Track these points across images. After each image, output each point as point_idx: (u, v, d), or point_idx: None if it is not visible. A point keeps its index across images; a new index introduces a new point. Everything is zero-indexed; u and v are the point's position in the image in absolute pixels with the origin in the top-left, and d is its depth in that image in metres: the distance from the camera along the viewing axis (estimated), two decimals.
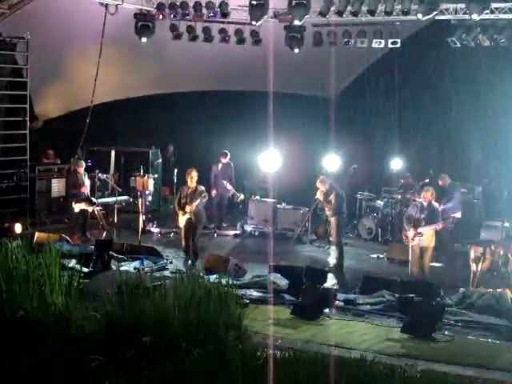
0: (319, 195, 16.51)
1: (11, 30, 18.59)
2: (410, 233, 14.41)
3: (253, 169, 21.56)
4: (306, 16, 16.60)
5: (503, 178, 19.09)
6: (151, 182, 19.65)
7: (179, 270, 14.33)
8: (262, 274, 14.33)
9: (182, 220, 15.52)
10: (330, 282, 14.43)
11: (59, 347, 9.46)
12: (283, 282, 13.71)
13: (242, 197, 19.79)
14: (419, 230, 14.33)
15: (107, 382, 8.52)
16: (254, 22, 17.00)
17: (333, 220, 16.41)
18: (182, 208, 15.43)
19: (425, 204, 14.52)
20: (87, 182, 18.28)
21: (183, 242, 15.66)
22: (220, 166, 20.08)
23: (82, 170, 18.16)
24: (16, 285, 10.83)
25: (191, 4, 17.69)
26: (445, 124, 20.12)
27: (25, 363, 8.88)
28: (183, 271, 13.51)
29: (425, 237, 14.38)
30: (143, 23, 18.10)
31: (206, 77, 22.21)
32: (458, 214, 17.15)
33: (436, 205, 14.82)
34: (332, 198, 16.21)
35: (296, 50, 18.30)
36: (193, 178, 15.54)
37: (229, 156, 20.24)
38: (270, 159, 19.78)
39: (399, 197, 18.46)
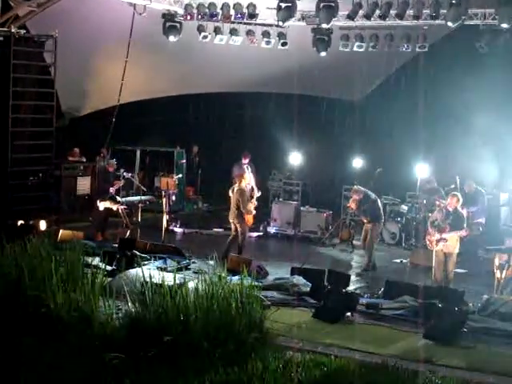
0: (351, 204, 16.60)
1: (40, 28, 18.70)
2: (434, 238, 14.34)
3: (277, 171, 21.57)
4: (334, 19, 16.59)
5: None
6: (175, 182, 19.71)
7: (202, 270, 14.36)
8: (285, 277, 14.32)
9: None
10: (353, 285, 14.39)
11: (81, 344, 9.52)
12: (305, 285, 13.71)
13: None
14: (444, 235, 14.25)
15: (128, 381, 8.56)
16: (280, 23, 17.00)
17: (369, 226, 16.43)
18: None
19: (450, 210, 14.42)
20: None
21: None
22: (241, 166, 20.11)
23: (112, 169, 18.29)
24: (40, 281, 10.90)
25: (219, 5, 17.71)
26: (472, 129, 19.98)
27: (48, 359, 8.94)
28: (206, 271, 13.53)
29: (449, 242, 14.29)
30: (171, 23, 18.18)
31: (232, 78, 22.24)
32: (482, 220, 17.06)
33: (461, 211, 14.72)
34: (366, 206, 16.30)
35: (323, 53, 18.28)
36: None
37: (250, 157, 20.25)
38: (294, 161, 19.79)
39: (424, 202, 18.35)
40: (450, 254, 14.39)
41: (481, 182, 18.18)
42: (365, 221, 16.65)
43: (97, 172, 20.15)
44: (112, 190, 18.13)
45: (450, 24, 15.88)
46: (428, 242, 14.69)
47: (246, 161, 20.22)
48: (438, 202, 16.60)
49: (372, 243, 16.52)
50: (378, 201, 16.84)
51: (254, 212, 16.56)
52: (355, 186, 16.99)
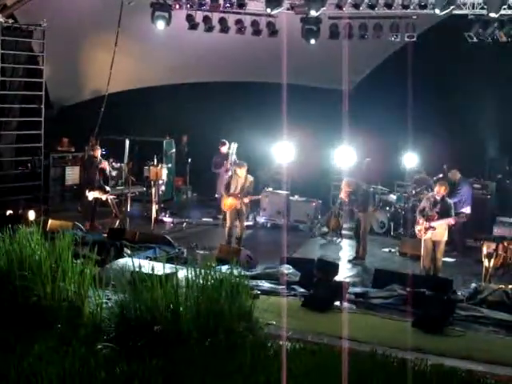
0: (343, 195, 16.69)
1: (28, 17, 18.64)
2: (423, 226, 14.41)
3: (266, 160, 21.55)
4: (323, 8, 16.59)
5: None
6: (165, 172, 19.71)
7: (191, 259, 14.37)
8: (274, 266, 14.36)
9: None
10: (342, 274, 14.44)
11: (71, 334, 9.53)
12: (295, 274, 13.75)
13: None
14: (432, 223, 14.32)
15: (118, 370, 8.57)
16: (268, 10, 16.99)
17: (361, 215, 16.49)
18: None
19: (438, 198, 14.49)
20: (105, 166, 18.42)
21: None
22: (221, 156, 20.07)
23: (98, 153, 18.29)
24: (29, 272, 10.88)
25: None
26: (460, 119, 20.06)
27: (37, 349, 8.95)
28: (195, 261, 13.56)
29: (437, 231, 14.37)
30: (160, 13, 18.12)
31: (222, 68, 22.23)
32: (468, 210, 17.10)
33: (449, 199, 14.80)
34: (358, 196, 16.37)
35: (312, 41, 18.26)
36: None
37: (227, 145, 20.18)
38: (283, 151, 19.79)
39: (413, 191, 18.42)
40: (438, 243, 14.48)
41: (469, 171, 18.25)
42: (356, 210, 16.72)
43: (84, 161, 20.11)
44: (98, 177, 18.10)
45: (437, 11, 15.90)
46: (417, 231, 14.76)
47: (223, 149, 20.14)
48: (425, 192, 16.71)
49: (366, 232, 16.59)
50: (369, 190, 16.95)
51: (229, 201, 16.81)
52: (346, 179, 17.02)
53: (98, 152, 18.36)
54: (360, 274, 15.08)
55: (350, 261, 16.21)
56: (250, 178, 17.07)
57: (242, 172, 16.90)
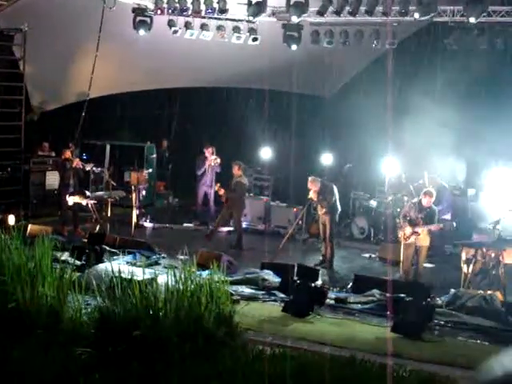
0: (312, 195, 16.59)
1: (9, 22, 18.57)
2: (407, 231, 14.46)
3: (248, 166, 21.55)
4: (304, 15, 16.65)
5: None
6: (145, 177, 19.66)
7: (171, 265, 14.36)
8: (254, 271, 14.38)
9: None
10: (321, 280, 14.46)
11: (50, 339, 9.49)
12: (275, 280, 13.78)
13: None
14: (416, 229, 14.36)
15: (97, 376, 8.55)
16: (251, 18, 17.07)
17: (327, 218, 16.45)
18: None
19: (424, 205, 14.53)
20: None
21: None
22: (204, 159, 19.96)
23: (68, 155, 18.15)
24: (8, 276, 10.85)
25: (189, 0, 17.67)
26: (440, 125, 20.15)
27: (16, 354, 8.91)
28: (175, 266, 13.53)
29: (421, 236, 14.44)
30: (141, 18, 18.13)
31: (202, 73, 22.21)
32: (448, 216, 17.23)
33: (434, 206, 14.85)
34: (327, 196, 16.33)
35: (293, 47, 18.29)
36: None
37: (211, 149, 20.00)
38: (265, 157, 19.82)
39: (390, 197, 18.43)
40: (421, 248, 14.54)
41: (449, 178, 18.34)
42: (322, 211, 16.58)
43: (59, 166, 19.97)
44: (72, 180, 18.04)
45: (417, 16, 15.99)
46: (399, 235, 14.77)
47: (207, 151, 19.95)
48: (405, 198, 16.77)
49: (332, 235, 16.55)
50: (336, 192, 16.75)
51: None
52: (311, 177, 16.88)
53: (68, 154, 18.22)
54: (340, 280, 15.10)
55: (324, 267, 16.06)
56: (240, 179, 18.00)
57: (234, 169, 18.09)
